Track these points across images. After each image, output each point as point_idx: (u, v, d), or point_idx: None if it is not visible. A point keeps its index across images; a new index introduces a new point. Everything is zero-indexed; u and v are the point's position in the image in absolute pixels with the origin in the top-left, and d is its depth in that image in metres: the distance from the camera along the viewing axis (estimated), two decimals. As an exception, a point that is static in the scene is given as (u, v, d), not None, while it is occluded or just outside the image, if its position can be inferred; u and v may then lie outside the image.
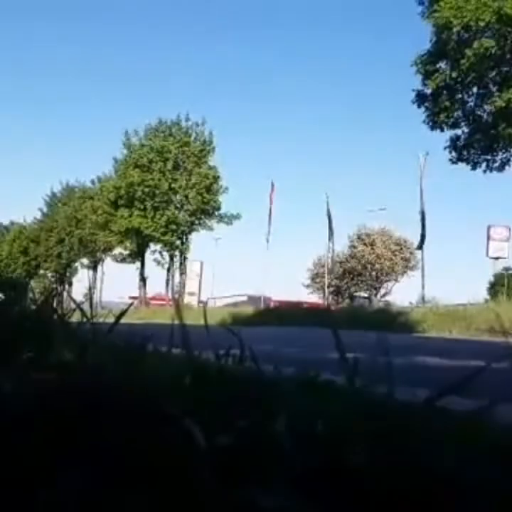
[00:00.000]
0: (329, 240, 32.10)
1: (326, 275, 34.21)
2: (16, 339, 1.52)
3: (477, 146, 23.10)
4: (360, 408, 0.94)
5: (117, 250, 43.96)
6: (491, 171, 23.54)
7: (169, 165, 36.67)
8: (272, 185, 32.79)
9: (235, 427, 0.77)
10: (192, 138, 38.02)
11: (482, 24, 19.84)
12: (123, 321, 1.82)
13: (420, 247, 28.70)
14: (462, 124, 23.30)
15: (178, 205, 36.66)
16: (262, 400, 0.97)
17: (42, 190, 66.59)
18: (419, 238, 28.18)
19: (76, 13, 78.58)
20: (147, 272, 41.01)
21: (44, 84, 79.00)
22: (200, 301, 42.14)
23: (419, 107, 23.42)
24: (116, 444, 0.74)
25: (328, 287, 35.97)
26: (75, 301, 2.64)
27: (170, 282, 39.29)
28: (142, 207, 36.55)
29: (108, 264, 48.04)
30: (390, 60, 73.05)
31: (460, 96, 22.75)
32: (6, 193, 75.26)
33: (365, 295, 43.88)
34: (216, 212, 38.57)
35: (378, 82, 79.10)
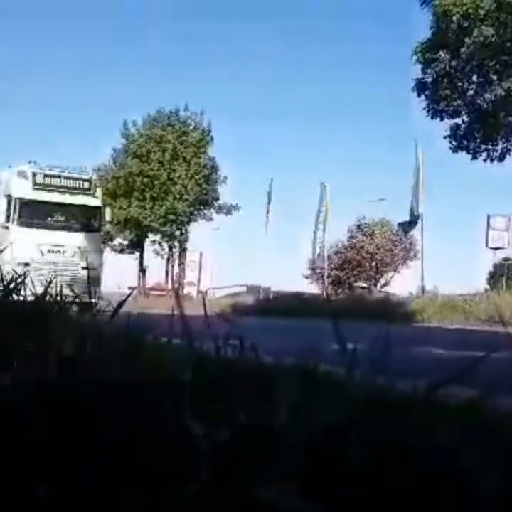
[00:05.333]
0: (316, 229, 31.86)
1: (325, 265, 34.18)
2: (14, 331, 1.52)
3: (477, 136, 23.00)
4: (360, 398, 0.94)
5: (117, 241, 43.89)
6: (491, 160, 23.45)
7: (168, 155, 36.56)
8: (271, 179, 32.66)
9: (234, 419, 0.77)
10: (191, 128, 37.90)
11: (482, 12, 19.71)
12: (122, 311, 1.82)
13: (411, 223, 28.49)
14: (462, 112, 23.18)
15: (177, 196, 36.56)
16: (261, 390, 0.97)
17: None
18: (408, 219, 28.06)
19: (73, 5, 78.01)
20: (146, 263, 41.00)
21: (41, 73, 78.58)
22: (199, 292, 42.11)
23: (419, 95, 23.31)
24: (118, 437, 0.74)
25: (327, 277, 35.95)
26: (74, 292, 2.64)
27: (169, 273, 39.31)
28: (141, 197, 36.48)
29: (107, 255, 47.90)
30: (390, 48, 72.55)
31: (460, 84, 22.61)
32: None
33: (365, 285, 43.87)
34: (215, 203, 38.57)
35: (378, 70, 78.64)
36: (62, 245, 20.46)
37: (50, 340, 1.36)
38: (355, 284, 43.90)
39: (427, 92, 23.07)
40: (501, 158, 23.34)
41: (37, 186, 20.61)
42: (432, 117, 23.30)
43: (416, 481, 0.70)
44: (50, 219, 20.86)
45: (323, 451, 0.71)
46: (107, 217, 22.91)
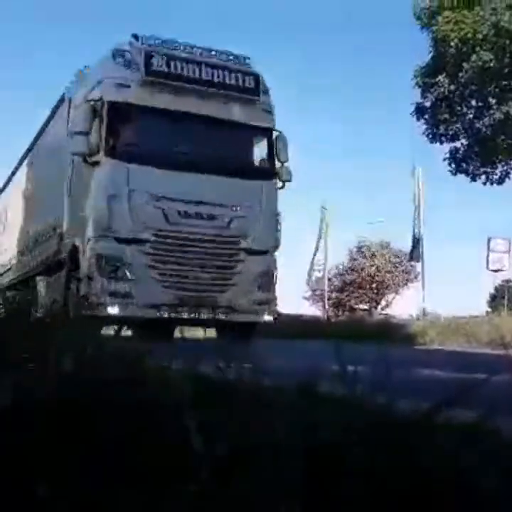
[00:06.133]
0: (317, 251, 32.00)
1: (325, 287, 34.16)
2: (16, 347, 1.52)
3: (476, 159, 23.16)
4: (359, 419, 0.94)
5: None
6: (491, 183, 23.59)
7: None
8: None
9: (235, 439, 0.78)
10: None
11: (480, 37, 19.95)
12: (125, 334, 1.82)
13: (411, 257, 28.65)
14: (461, 136, 23.37)
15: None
16: (260, 409, 0.98)
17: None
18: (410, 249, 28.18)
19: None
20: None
21: (42, 90, 79.24)
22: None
23: (418, 119, 23.51)
24: (116, 456, 0.74)
25: (328, 300, 35.88)
26: (79, 314, 2.64)
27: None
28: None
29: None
30: (390, 73, 73.37)
31: (459, 109, 22.84)
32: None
33: (365, 307, 43.82)
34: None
35: (381, 93, 79.48)
36: (206, 204, 9.90)
37: (51, 359, 1.37)
38: (356, 306, 43.84)
39: (426, 116, 23.28)
40: (500, 181, 23.50)
41: (154, 78, 9.82)
42: (431, 141, 23.49)
43: (416, 498, 0.71)
44: (181, 150, 10.15)
45: (322, 470, 0.72)
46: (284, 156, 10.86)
